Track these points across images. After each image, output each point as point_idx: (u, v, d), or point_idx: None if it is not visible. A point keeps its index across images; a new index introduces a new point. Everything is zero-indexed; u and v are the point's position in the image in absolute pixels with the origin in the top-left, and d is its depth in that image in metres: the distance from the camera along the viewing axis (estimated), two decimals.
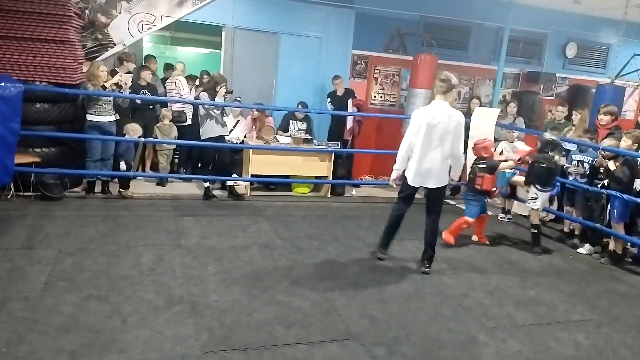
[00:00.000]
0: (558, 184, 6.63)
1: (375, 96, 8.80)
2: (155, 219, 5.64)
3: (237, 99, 7.55)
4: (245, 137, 7.44)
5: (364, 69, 8.66)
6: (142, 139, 6.61)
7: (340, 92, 7.86)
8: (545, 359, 3.46)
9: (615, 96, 7.88)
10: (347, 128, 7.84)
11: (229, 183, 6.86)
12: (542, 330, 3.85)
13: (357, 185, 8.13)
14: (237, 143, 7.30)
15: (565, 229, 6.46)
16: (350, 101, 7.82)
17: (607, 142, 5.55)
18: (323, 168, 7.31)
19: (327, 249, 5.18)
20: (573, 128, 6.71)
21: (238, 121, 7.53)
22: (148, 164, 7.50)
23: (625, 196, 5.24)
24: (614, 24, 8.81)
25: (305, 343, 3.35)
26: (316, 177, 7.43)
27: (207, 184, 6.75)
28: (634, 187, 5.38)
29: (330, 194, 7.51)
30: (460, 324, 3.82)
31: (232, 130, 7.35)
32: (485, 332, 3.73)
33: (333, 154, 7.33)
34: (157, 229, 5.32)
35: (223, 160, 6.77)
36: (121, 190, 6.44)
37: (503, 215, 7.01)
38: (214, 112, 6.48)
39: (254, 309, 3.74)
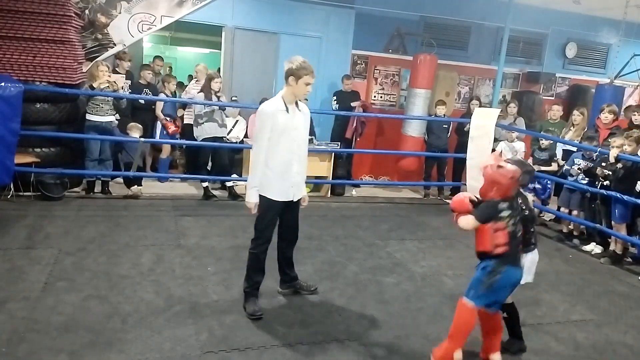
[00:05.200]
0: (550, 184, 6.62)
1: (375, 96, 8.80)
2: (155, 219, 5.64)
3: (234, 98, 7.54)
4: (246, 136, 7.43)
5: (364, 69, 8.66)
6: (142, 138, 6.61)
7: (346, 92, 7.85)
8: (545, 359, 3.46)
9: (615, 96, 7.87)
10: (351, 126, 7.83)
11: (229, 183, 6.86)
12: (542, 330, 3.85)
13: (357, 185, 8.13)
14: (236, 143, 7.29)
15: (565, 229, 6.46)
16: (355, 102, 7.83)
17: (619, 141, 5.47)
18: (323, 168, 7.30)
19: (327, 249, 5.18)
20: (572, 129, 6.70)
21: (237, 121, 7.52)
22: (149, 162, 7.49)
23: (620, 196, 5.25)
24: (614, 24, 8.81)
25: (305, 343, 3.35)
26: (316, 177, 7.42)
27: (205, 184, 6.74)
28: (635, 188, 5.38)
29: (330, 194, 7.50)
30: None
31: (231, 130, 7.33)
32: None
33: (333, 154, 7.33)
34: (157, 229, 5.32)
35: (221, 161, 6.75)
36: (131, 187, 6.41)
37: None
38: (214, 114, 6.52)
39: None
